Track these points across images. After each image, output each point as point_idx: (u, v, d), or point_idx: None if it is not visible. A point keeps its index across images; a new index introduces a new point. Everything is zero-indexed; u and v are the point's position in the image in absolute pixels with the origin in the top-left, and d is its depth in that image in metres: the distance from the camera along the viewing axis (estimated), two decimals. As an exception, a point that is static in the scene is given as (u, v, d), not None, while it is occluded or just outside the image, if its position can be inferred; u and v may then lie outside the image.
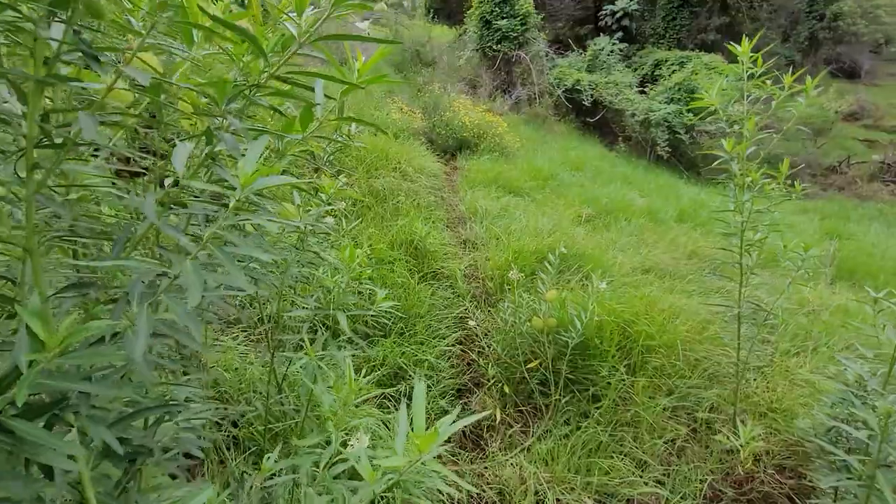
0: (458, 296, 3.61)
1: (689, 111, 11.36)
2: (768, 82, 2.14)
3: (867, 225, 8.50)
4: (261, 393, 2.14)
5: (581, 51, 16.67)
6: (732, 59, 2.21)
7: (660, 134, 11.18)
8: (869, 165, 13.17)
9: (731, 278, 2.57)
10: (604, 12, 20.25)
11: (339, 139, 1.27)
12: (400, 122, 7.10)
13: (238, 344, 2.53)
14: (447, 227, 4.72)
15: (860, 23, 18.11)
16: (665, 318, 3.02)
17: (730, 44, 2.20)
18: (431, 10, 19.70)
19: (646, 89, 13.35)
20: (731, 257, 2.54)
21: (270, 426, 1.98)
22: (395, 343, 2.98)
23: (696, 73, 11.68)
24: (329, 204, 1.80)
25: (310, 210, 1.64)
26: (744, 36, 2.18)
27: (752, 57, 2.13)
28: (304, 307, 1.83)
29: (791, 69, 2.19)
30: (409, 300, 3.29)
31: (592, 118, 13.49)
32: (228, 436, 2.02)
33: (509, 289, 3.52)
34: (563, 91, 12.58)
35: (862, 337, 3.27)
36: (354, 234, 3.97)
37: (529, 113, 12.41)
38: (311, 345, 1.55)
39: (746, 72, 2.15)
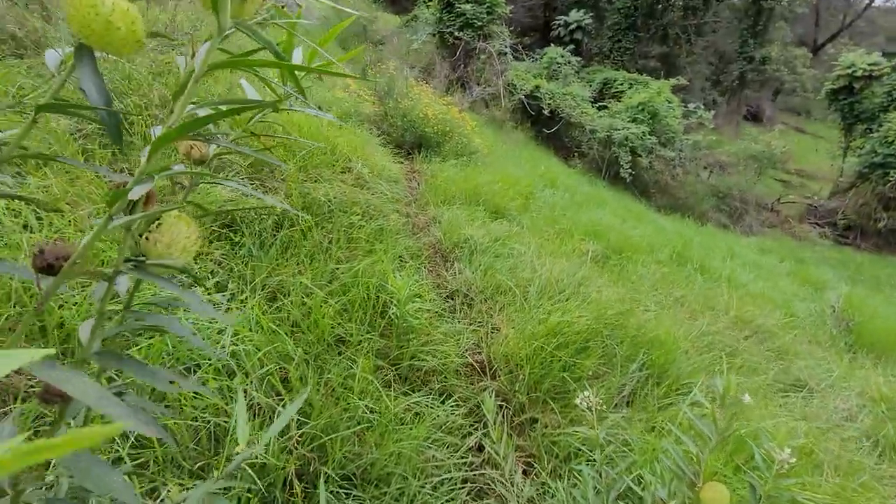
0: (468, 411, 2.03)
1: (651, 134, 10.81)
2: None
3: (824, 270, 8.32)
4: None
5: (534, 57, 15.83)
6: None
7: (623, 155, 10.45)
8: (798, 206, 13.78)
9: None
10: (557, 23, 19.75)
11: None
12: (346, 104, 5.31)
13: None
14: (424, 266, 3.11)
15: (783, 69, 19.46)
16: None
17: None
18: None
19: (606, 105, 12.71)
20: None
21: None
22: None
23: (660, 95, 11.19)
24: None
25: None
26: None
27: None
28: None
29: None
30: (384, 447, 1.65)
31: (549, 129, 12.56)
32: None
33: (549, 403, 2.02)
34: (524, 96, 11.45)
35: None
36: (273, 284, 2.22)
37: (487, 115, 11.11)
38: None
39: None
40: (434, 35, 10.72)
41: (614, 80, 18.08)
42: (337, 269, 2.39)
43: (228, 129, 0.80)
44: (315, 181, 3.05)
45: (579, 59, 16.13)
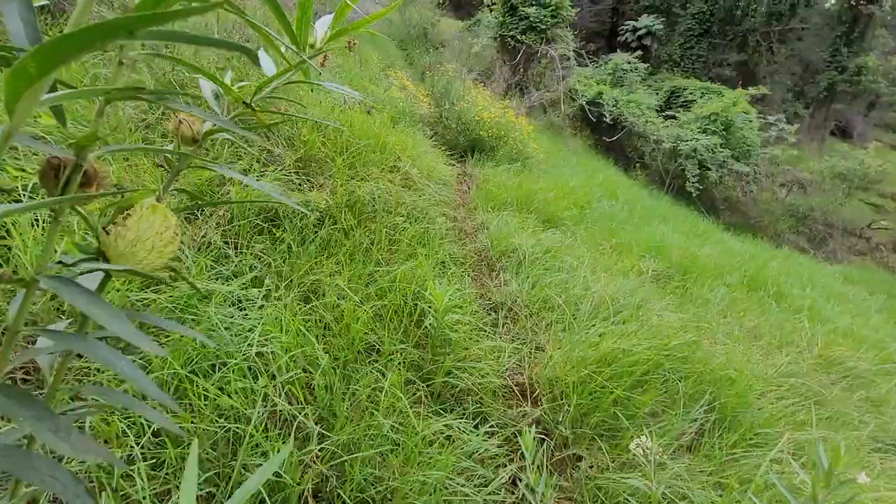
0: (503, 440, 1.84)
1: (723, 146, 10.02)
2: None
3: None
4: None
5: (598, 63, 15.27)
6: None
7: (690, 167, 9.76)
8: (892, 233, 12.29)
9: None
10: (625, 28, 18.98)
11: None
12: (401, 103, 5.26)
13: None
14: (468, 274, 2.94)
15: (881, 81, 17.55)
16: None
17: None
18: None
19: (675, 115, 11.98)
20: None
21: None
22: None
23: (736, 105, 10.36)
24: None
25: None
26: None
27: None
28: None
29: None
30: (408, 474, 1.50)
31: (610, 137, 12.02)
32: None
33: (597, 440, 1.78)
34: (585, 103, 11.02)
35: None
36: (309, 282, 2.14)
37: (545, 121, 10.79)
38: None
39: None
40: (495, 39, 10.57)
41: (684, 89, 17.10)
42: (376, 271, 2.27)
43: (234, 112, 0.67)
44: (362, 179, 2.97)
45: (647, 65, 15.38)
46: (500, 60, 10.36)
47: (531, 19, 9.58)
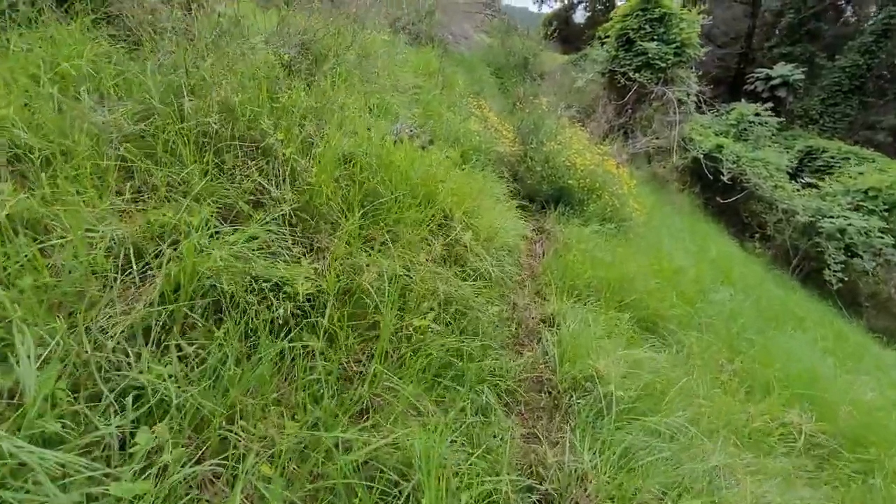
0: None
1: (884, 231, 7.88)
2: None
3: None
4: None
5: (717, 111, 13.40)
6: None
7: (833, 251, 7.77)
8: None
9: None
10: (755, 76, 16.79)
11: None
12: (478, 138, 4.37)
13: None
14: (517, 414, 1.88)
15: None
16: None
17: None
18: (547, 32, 17.10)
19: (814, 182, 9.93)
20: None
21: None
22: None
23: (906, 181, 8.19)
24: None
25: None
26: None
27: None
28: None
29: None
30: None
31: (724, 198, 10.21)
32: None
33: None
34: (702, 156, 9.44)
35: None
36: (234, 442, 1.23)
37: (648, 171, 9.37)
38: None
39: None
40: (603, 74, 9.44)
41: (822, 151, 14.59)
42: (346, 439, 1.31)
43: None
44: (382, 245, 2.06)
45: (780, 119, 13.21)
46: (605, 98, 9.20)
47: (649, 55, 8.34)
